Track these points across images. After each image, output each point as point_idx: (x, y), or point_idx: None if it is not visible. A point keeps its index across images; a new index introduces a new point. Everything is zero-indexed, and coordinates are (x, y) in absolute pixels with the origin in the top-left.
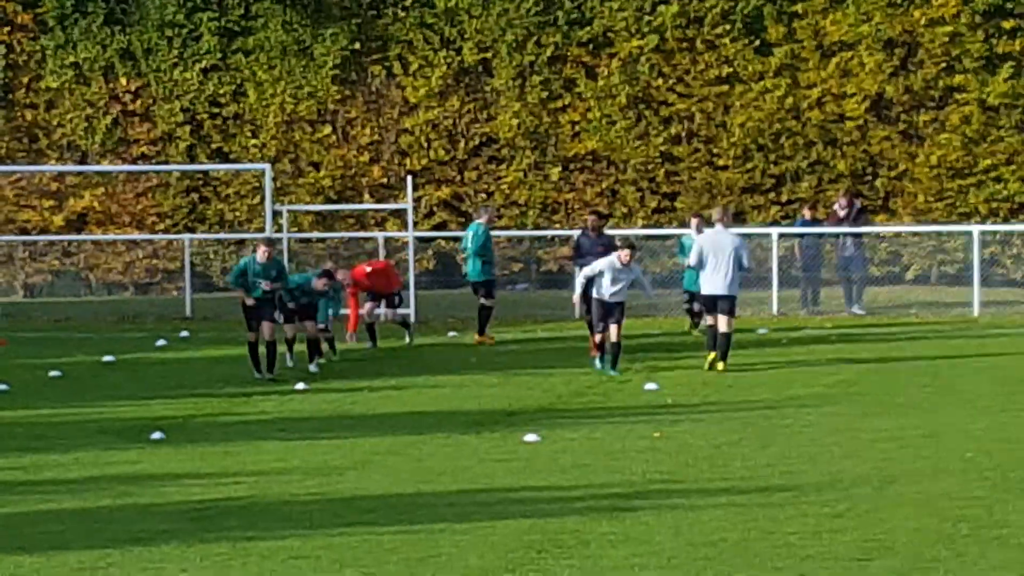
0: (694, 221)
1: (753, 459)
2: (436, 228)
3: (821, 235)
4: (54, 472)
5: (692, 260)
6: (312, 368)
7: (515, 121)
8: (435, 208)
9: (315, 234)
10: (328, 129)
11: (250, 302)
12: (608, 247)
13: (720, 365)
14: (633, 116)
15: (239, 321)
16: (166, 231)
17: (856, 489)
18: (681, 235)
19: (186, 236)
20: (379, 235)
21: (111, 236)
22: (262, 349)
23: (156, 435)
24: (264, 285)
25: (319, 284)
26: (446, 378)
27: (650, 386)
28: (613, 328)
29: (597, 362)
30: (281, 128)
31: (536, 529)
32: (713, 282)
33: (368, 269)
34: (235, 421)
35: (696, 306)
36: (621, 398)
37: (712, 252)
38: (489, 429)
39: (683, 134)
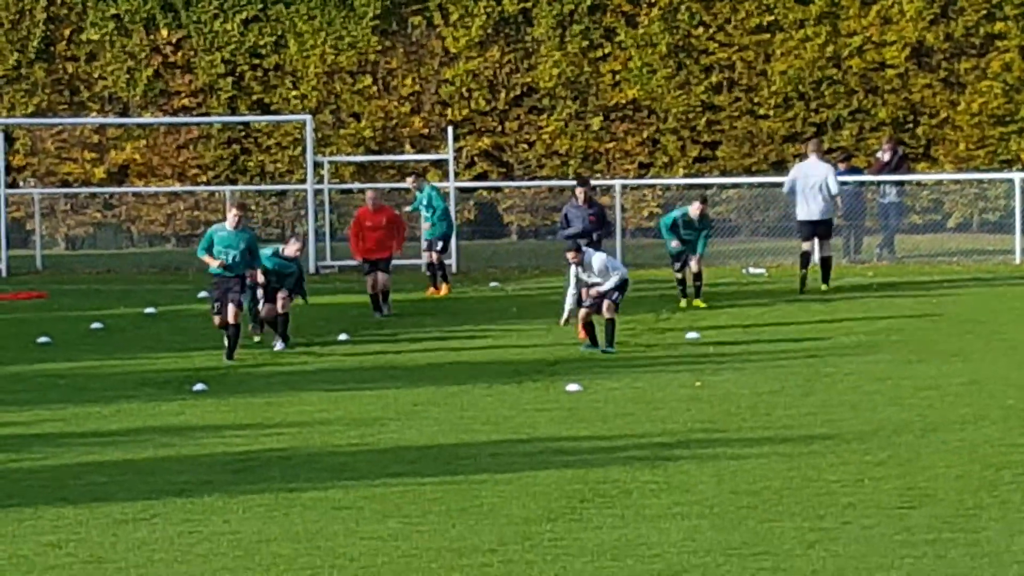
0: (696, 206)
1: (795, 407)
2: (477, 178)
3: (863, 184)
4: (96, 424)
5: (785, 189)
6: (278, 346)
7: (556, 71)
8: (476, 158)
9: (356, 185)
10: (369, 80)
11: (215, 264)
12: (598, 216)
13: (824, 287)
14: (674, 65)
15: None
16: (207, 183)
17: (898, 437)
18: (669, 214)
19: (227, 188)
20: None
21: (152, 188)
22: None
23: (198, 387)
24: (250, 278)
25: (292, 250)
26: (487, 328)
27: (692, 335)
28: (606, 304)
29: (607, 349)
30: (322, 79)
31: (578, 479)
32: (809, 210)
33: (371, 216)
34: (277, 372)
35: (680, 274)
36: (663, 347)
37: (804, 181)
38: (531, 379)
39: (724, 83)
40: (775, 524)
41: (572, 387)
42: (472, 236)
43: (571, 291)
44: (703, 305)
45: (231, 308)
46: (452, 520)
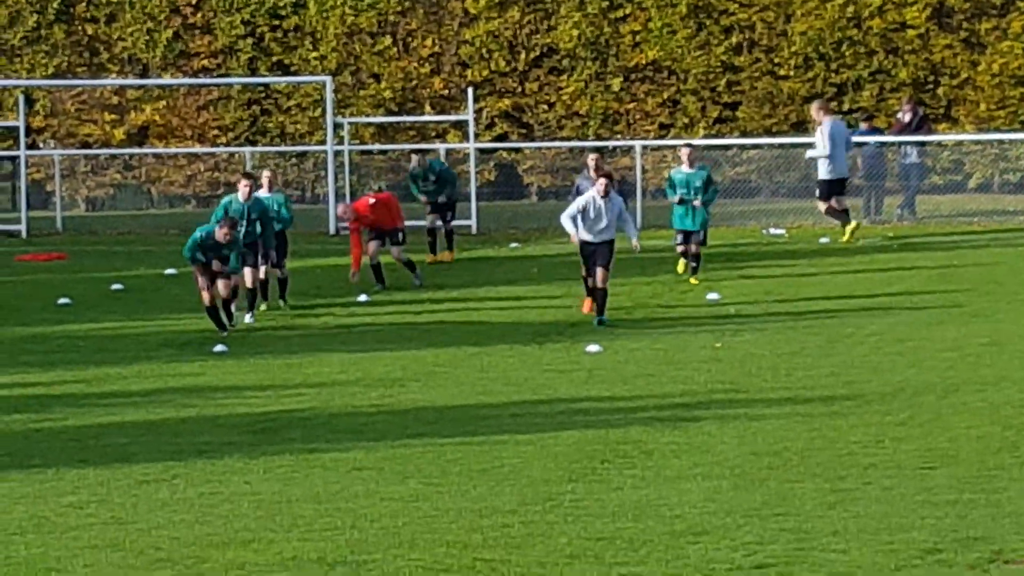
0: (685, 152)
1: (816, 368)
2: (497, 139)
3: (883, 144)
4: (117, 385)
5: (823, 148)
6: (248, 319)
7: (576, 31)
8: (496, 119)
9: (376, 146)
10: (389, 41)
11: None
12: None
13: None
14: (694, 25)
15: (301, 233)
16: (227, 144)
17: (919, 398)
18: (680, 167)
19: (247, 149)
20: (440, 147)
21: (172, 149)
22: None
23: (219, 348)
24: (221, 235)
25: (221, 234)
26: (508, 289)
27: (712, 296)
28: (599, 272)
29: (596, 321)
30: (342, 40)
31: (599, 439)
32: (843, 168)
33: (372, 201)
34: (297, 333)
35: (682, 246)
36: (684, 308)
37: (840, 139)
38: (552, 340)
39: (744, 43)
40: (796, 485)
41: (592, 348)
42: (492, 197)
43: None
44: (695, 283)
45: (222, 284)
46: (473, 481)
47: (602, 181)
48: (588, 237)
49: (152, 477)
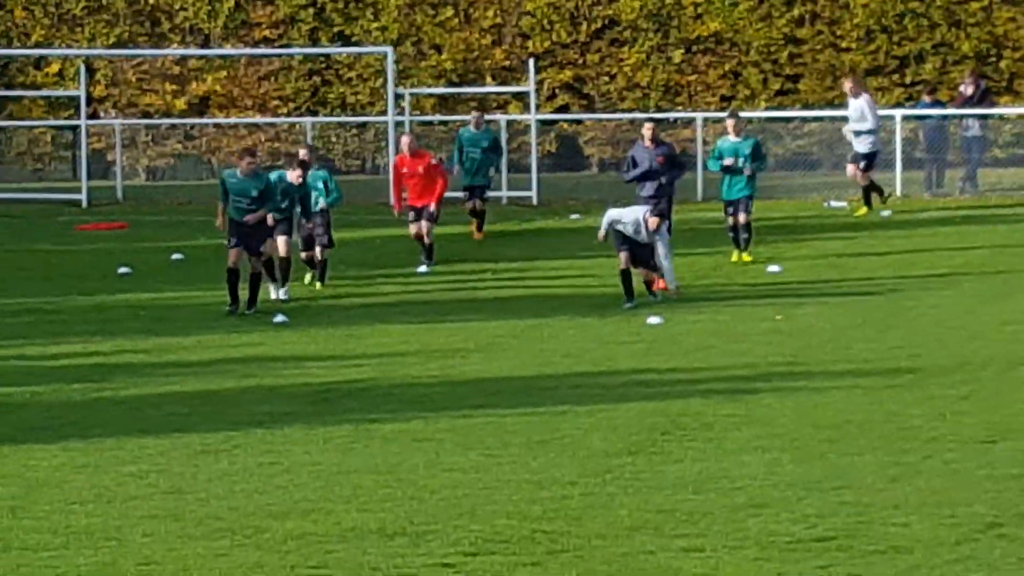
0: (730, 122)
1: (876, 341)
2: (558, 111)
3: (945, 117)
4: (177, 355)
5: (873, 122)
6: (282, 295)
7: (637, 3)
8: (557, 91)
9: (437, 117)
10: (450, 11)
11: (218, 222)
12: (668, 157)
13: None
14: None
15: (362, 204)
16: (288, 114)
17: (981, 371)
18: (719, 140)
19: (308, 119)
20: (501, 118)
21: (233, 120)
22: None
23: (279, 318)
24: (269, 221)
25: (293, 176)
26: (568, 261)
27: (773, 268)
28: (651, 220)
29: (628, 303)
30: (403, 10)
31: (659, 411)
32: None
33: (408, 162)
34: (358, 304)
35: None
36: (744, 281)
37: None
38: (612, 311)
39: (806, 15)
40: (856, 458)
41: (653, 319)
42: (553, 168)
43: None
44: (748, 259)
45: (248, 255)
46: (532, 452)
47: (654, 220)
48: (628, 233)
49: (212, 447)
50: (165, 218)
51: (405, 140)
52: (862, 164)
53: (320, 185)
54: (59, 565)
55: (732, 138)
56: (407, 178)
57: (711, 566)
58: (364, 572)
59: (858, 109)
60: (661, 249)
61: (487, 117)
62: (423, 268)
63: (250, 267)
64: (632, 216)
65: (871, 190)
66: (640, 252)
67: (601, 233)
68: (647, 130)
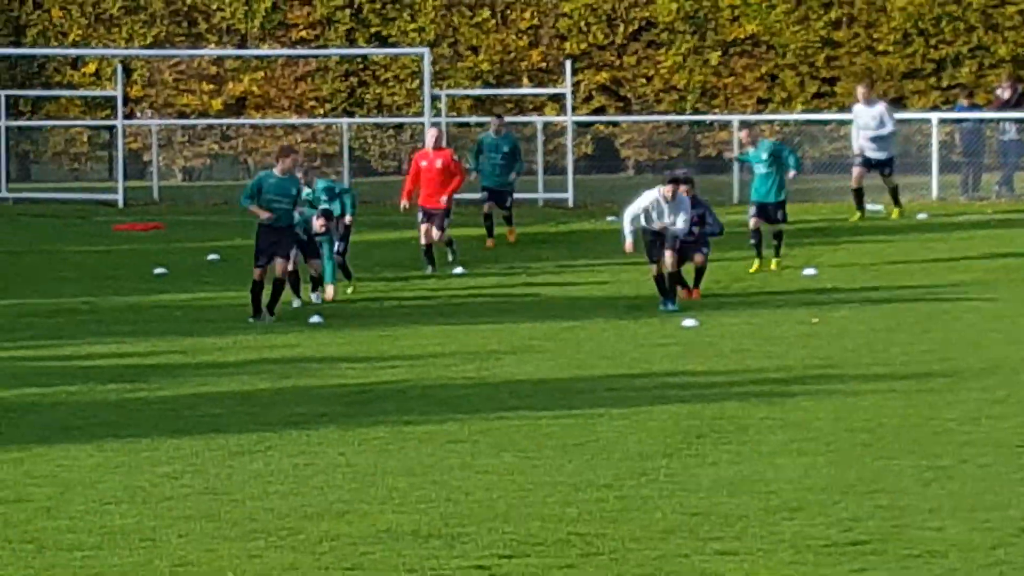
0: (744, 134)
1: (912, 345)
2: (595, 112)
3: (982, 120)
4: (212, 355)
5: (892, 125)
6: (314, 298)
7: (674, 5)
8: (594, 92)
9: (473, 118)
10: (487, 13)
11: (265, 216)
12: (701, 217)
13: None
14: (793, 0)
15: (395, 205)
16: (325, 115)
17: (1017, 375)
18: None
19: (344, 120)
20: (537, 119)
21: (270, 120)
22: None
23: (314, 319)
24: (317, 225)
25: (318, 225)
26: (604, 263)
27: (809, 271)
28: (667, 255)
29: (667, 304)
30: (440, 12)
31: (694, 414)
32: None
33: (428, 156)
34: (393, 305)
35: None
36: (780, 283)
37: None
38: (647, 314)
39: (843, 18)
40: (892, 461)
41: (688, 322)
42: (589, 170)
43: (628, 236)
44: (775, 267)
45: (279, 262)
46: (568, 455)
47: (668, 186)
48: (656, 227)
49: (246, 448)
50: (201, 218)
51: (432, 133)
52: (886, 171)
53: (325, 197)
54: (94, 565)
55: (751, 149)
56: (424, 172)
57: (746, 570)
58: (399, 574)
59: (877, 116)
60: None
61: (507, 119)
62: (459, 269)
63: (277, 273)
64: (648, 200)
65: (895, 195)
66: (667, 235)
67: (628, 243)
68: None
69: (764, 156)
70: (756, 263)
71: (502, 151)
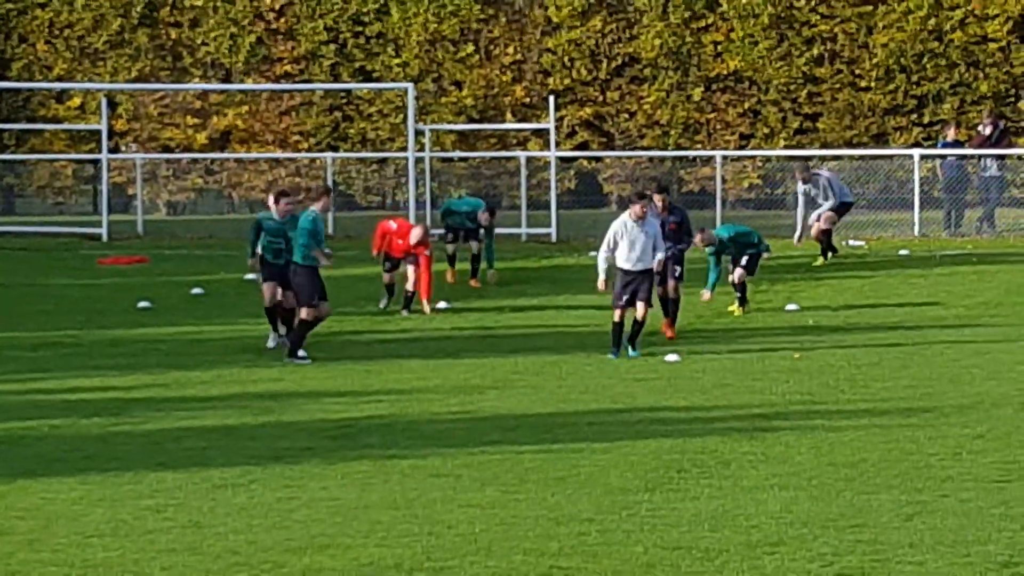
0: (698, 237)
1: (893, 380)
2: (578, 148)
3: (964, 156)
4: (196, 389)
5: (835, 199)
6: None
7: (658, 41)
8: (577, 128)
9: (457, 153)
10: (471, 48)
11: (252, 276)
12: (680, 224)
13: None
14: (776, 36)
15: None
16: (309, 150)
17: (997, 410)
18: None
19: (329, 155)
20: (521, 155)
21: (254, 154)
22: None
23: (300, 354)
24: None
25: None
26: (587, 298)
27: (791, 307)
28: (640, 306)
29: (616, 353)
30: (424, 47)
31: (676, 449)
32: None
33: (393, 226)
34: (377, 339)
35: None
36: (762, 319)
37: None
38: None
39: (825, 55)
40: (873, 496)
41: (671, 357)
42: (572, 205)
43: (601, 274)
44: (739, 313)
45: (290, 293)
46: (550, 489)
47: (639, 205)
48: (626, 266)
49: (230, 481)
50: (185, 252)
51: (418, 232)
52: (833, 217)
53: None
54: None
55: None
56: (394, 236)
57: None
58: None
59: (819, 188)
60: (659, 242)
61: (490, 155)
62: (442, 304)
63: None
64: (615, 228)
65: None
66: (636, 282)
67: (600, 280)
68: (658, 198)
69: (726, 238)
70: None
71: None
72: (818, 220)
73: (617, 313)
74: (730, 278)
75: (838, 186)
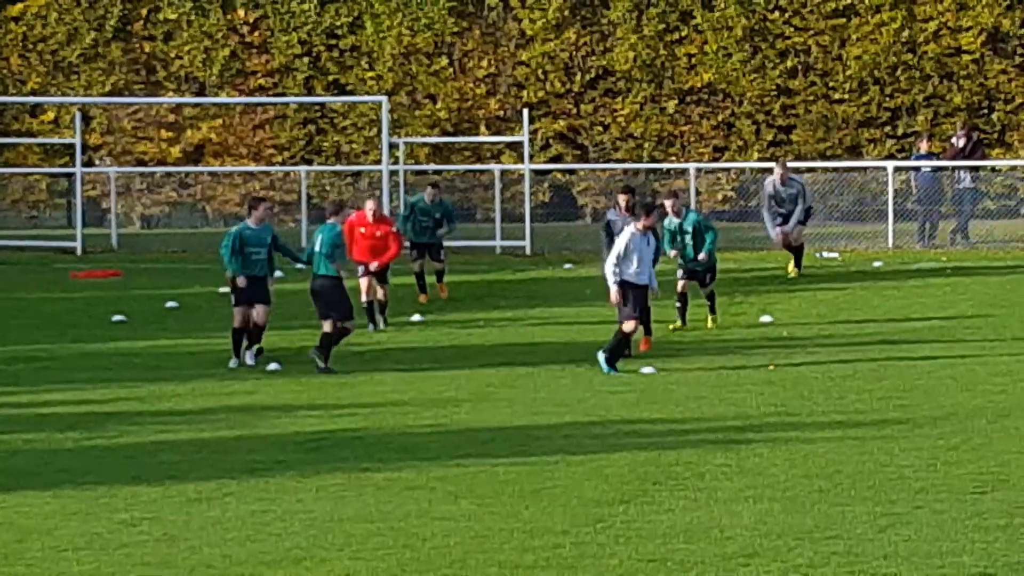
0: (668, 203)
1: (868, 392)
2: (552, 160)
3: (938, 169)
4: (171, 403)
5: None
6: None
7: (631, 53)
8: (551, 140)
9: (431, 166)
10: (445, 61)
11: (242, 282)
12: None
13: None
14: (749, 49)
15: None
16: (283, 163)
17: (971, 422)
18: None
19: (303, 168)
20: (495, 167)
21: (228, 168)
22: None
23: (272, 366)
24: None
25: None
26: (561, 310)
27: (765, 319)
28: (631, 323)
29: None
30: (398, 60)
31: (651, 461)
32: None
33: (367, 225)
34: (351, 352)
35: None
36: (736, 331)
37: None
38: None
39: (799, 67)
40: (847, 508)
41: (646, 369)
42: (546, 218)
43: (612, 285)
44: (712, 327)
45: (261, 308)
46: (524, 501)
47: (646, 217)
48: (631, 278)
49: (204, 495)
50: (160, 266)
51: (370, 205)
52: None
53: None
54: None
55: (674, 219)
56: (362, 238)
57: None
58: None
59: (793, 190)
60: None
61: (464, 168)
62: (416, 317)
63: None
64: (624, 241)
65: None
66: (635, 297)
67: (614, 292)
68: (622, 199)
69: (688, 229)
70: (678, 323)
71: (434, 215)
72: (790, 232)
73: (632, 324)
74: (680, 286)
75: (809, 196)
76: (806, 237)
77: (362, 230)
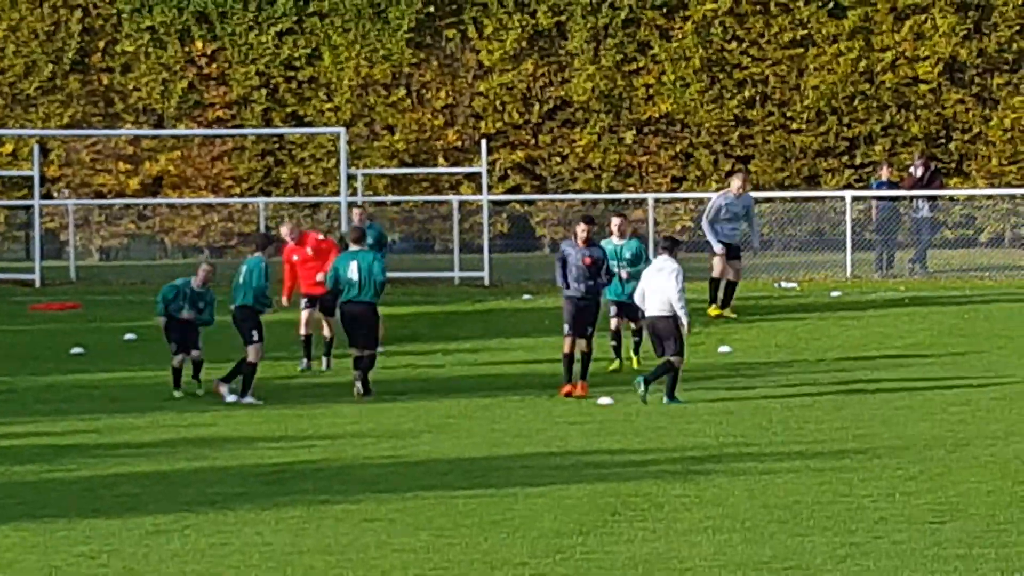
0: (616, 222)
1: (827, 422)
2: (510, 191)
3: (896, 198)
4: (130, 435)
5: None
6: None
7: (589, 84)
8: (509, 171)
9: (390, 197)
10: (403, 92)
11: (161, 321)
12: (596, 261)
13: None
14: (707, 79)
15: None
16: (241, 195)
17: (929, 452)
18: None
19: (261, 200)
20: (453, 199)
21: (186, 200)
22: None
23: (230, 398)
24: (185, 314)
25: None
26: (520, 341)
27: (724, 349)
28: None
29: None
30: (356, 91)
31: (610, 492)
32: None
33: (320, 236)
34: (310, 384)
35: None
36: (695, 361)
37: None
38: None
39: (757, 97)
40: (806, 538)
41: (604, 400)
42: (504, 249)
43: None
44: (636, 365)
45: (195, 353)
46: (484, 533)
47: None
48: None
49: (164, 527)
50: (118, 298)
51: (284, 229)
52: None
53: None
54: None
55: (615, 240)
56: (299, 265)
57: None
58: None
59: (747, 209)
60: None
61: (423, 199)
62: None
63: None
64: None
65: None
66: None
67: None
68: (581, 231)
69: (627, 256)
70: (616, 362)
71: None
72: (755, 248)
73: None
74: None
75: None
76: (764, 267)
77: (296, 258)
